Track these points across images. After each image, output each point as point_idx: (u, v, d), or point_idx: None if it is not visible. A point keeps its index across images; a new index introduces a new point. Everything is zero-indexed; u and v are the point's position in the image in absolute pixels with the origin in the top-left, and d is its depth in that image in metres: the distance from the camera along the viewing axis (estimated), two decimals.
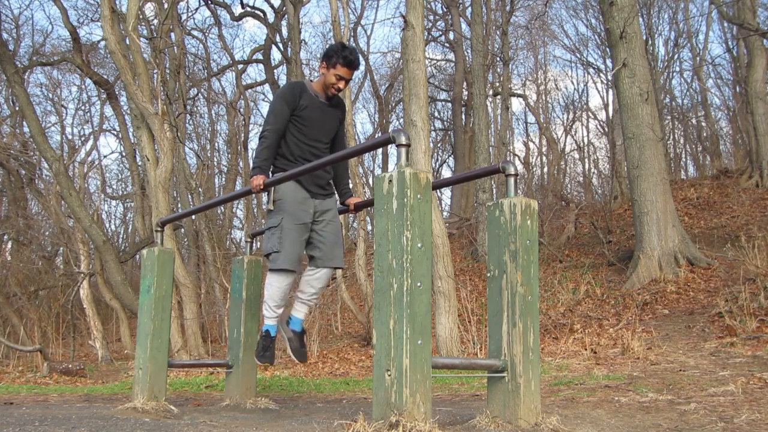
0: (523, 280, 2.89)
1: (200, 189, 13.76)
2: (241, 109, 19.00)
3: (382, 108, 21.57)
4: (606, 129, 19.85)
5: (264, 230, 3.74)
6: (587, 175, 20.63)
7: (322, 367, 7.65)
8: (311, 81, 3.75)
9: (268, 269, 3.64)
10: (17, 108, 13.29)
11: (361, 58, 3.86)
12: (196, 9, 29.71)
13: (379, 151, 20.61)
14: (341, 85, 3.62)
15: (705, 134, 18.68)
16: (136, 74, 8.57)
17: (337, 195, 3.91)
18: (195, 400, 5.06)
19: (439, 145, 23.67)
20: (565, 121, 22.26)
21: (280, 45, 17.05)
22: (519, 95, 21.54)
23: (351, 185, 4.07)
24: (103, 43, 13.55)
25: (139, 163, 13.74)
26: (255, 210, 16.91)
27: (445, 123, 23.51)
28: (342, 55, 3.58)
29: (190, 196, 12.76)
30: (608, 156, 18.96)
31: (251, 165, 3.69)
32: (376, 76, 22.46)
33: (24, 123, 13.63)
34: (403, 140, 2.66)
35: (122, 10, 10.60)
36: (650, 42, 17.30)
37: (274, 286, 3.62)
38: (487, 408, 2.91)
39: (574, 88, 34.48)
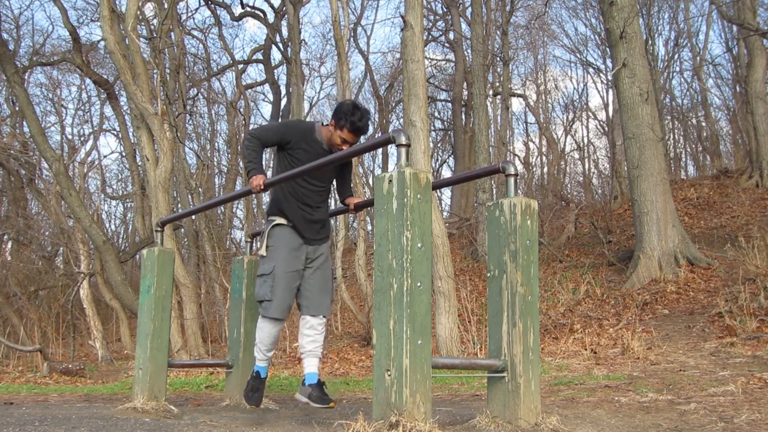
0: (523, 280, 2.89)
1: (200, 189, 13.76)
2: (241, 109, 19.01)
3: (382, 108, 21.57)
4: (606, 129, 19.86)
5: (256, 276, 3.65)
6: (587, 175, 20.64)
7: (322, 367, 7.65)
8: (323, 125, 3.64)
9: (260, 315, 3.62)
10: (17, 108, 13.29)
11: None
12: (196, 9, 29.73)
13: (379, 151, 20.61)
14: (345, 147, 3.52)
15: (705, 134, 18.69)
16: (136, 74, 8.57)
17: (329, 241, 3.86)
18: (195, 400, 5.06)
19: (439, 145, 23.68)
20: (565, 121, 22.27)
21: (280, 45, 17.06)
22: (519, 95, 21.54)
23: (351, 184, 4.04)
24: (102, 43, 13.56)
25: (139, 163, 13.75)
26: (255, 210, 16.91)
27: (445, 123, 23.51)
28: (350, 120, 3.49)
29: (190, 196, 12.76)
30: (608, 156, 18.97)
31: (245, 169, 3.64)
32: (376, 76, 22.47)
33: (24, 123, 13.63)
34: (403, 140, 2.66)
35: (122, 11, 10.60)
36: (650, 42, 17.30)
37: (265, 331, 3.61)
38: (487, 408, 2.91)
39: (574, 88, 34.51)
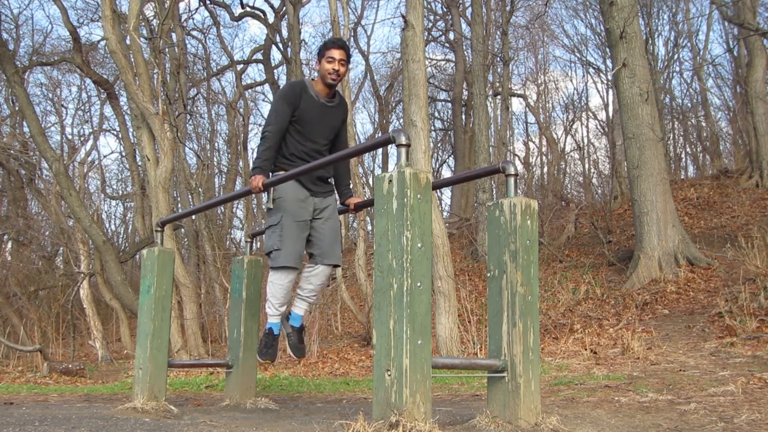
0: (523, 280, 2.89)
1: (200, 189, 13.75)
2: (241, 109, 19.01)
3: (382, 108, 21.58)
4: (606, 129, 19.85)
5: (264, 229, 3.74)
6: (587, 175, 20.63)
7: (322, 367, 7.65)
8: (312, 80, 3.72)
9: (270, 267, 3.64)
10: (17, 108, 13.28)
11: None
12: (196, 9, 29.71)
13: (379, 151, 20.61)
14: (337, 66, 3.59)
15: (705, 134, 18.68)
16: (137, 74, 8.57)
17: (336, 194, 3.91)
18: (195, 400, 5.06)
19: (439, 145, 23.68)
20: (565, 121, 22.26)
21: (280, 45, 17.05)
22: (519, 95, 21.54)
23: (351, 185, 4.05)
24: (103, 43, 13.56)
25: (139, 163, 13.75)
26: (255, 210, 16.91)
27: (445, 123, 23.51)
28: (325, 42, 3.66)
29: (190, 196, 12.77)
30: (608, 156, 18.96)
31: (252, 165, 3.67)
32: (376, 76, 22.47)
33: (24, 123, 13.62)
34: (403, 140, 2.66)
35: (122, 11, 10.60)
36: (650, 42, 17.29)
37: (276, 283, 3.63)
38: (487, 408, 2.91)
39: (574, 88, 34.51)
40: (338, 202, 3.99)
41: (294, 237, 3.56)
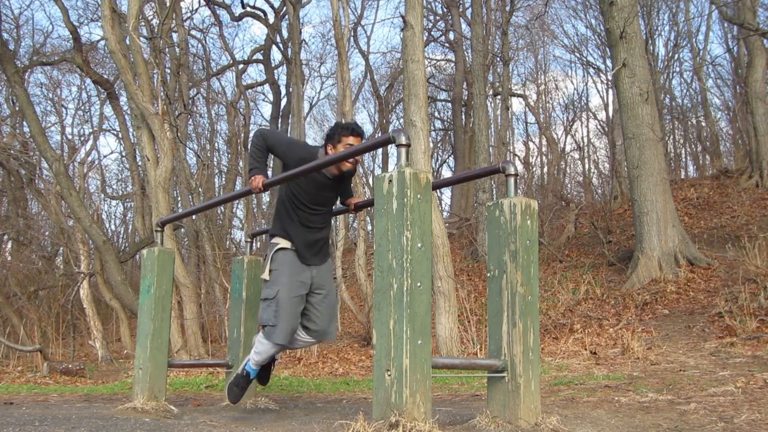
0: (523, 280, 2.89)
1: (200, 189, 13.75)
2: (241, 109, 19.00)
3: (382, 108, 21.57)
4: (606, 129, 19.85)
5: (261, 299, 3.62)
6: (587, 175, 20.62)
7: (322, 367, 7.65)
8: (326, 154, 3.52)
9: (262, 334, 3.58)
10: (17, 108, 13.28)
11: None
12: (196, 9, 29.72)
13: (379, 151, 20.61)
14: (353, 157, 3.39)
15: (705, 134, 18.67)
16: (137, 74, 8.57)
17: (331, 260, 3.86)
18: (195, 400, 5.06)
19: (439, 145, 23.67)
20: (565, 121, 22.26)
21: (280, 45, 17.06)
22: (519, 95, 21.53)
23: (351, 185, 4.03)
24: (103, 42, 13.56)
25: (139, 163, 13.74)
26: (255, 210, 16.91)
27: (445, 123, 23.51)
28: (342, 127, 3.50)
29: (190, 196, 12.76)
30: (608, 156, 18.96)
31: (248, 167, 3.63)
32: (376, 76, 22.46)
33: (24, 123, 13.63)
34: (403, 140, 2.66)
35: (122, 10, 10.60)
36: (650, 42, 17.28)
37: (265, 348, 3.56)
38: (487, 408, 2.91)
39: (574, 88, 34.51)
40: (338, 203, 3.98)
41: (289, 314, 3.48)
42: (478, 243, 13.41)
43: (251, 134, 20.25)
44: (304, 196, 3.55)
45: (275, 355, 3.70)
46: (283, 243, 3.57)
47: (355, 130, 3.49)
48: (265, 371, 3.81)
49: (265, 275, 3.55)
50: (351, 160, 3.41)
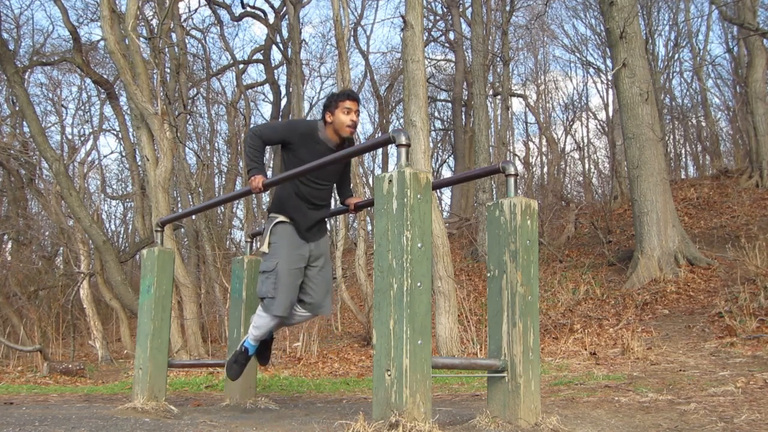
0: (523, 280, 2.89)
1: (200, 189, 13.76)
2: (241, 109, 19.00)
3: (382, 108, 21.57)
4: (606, 129, 19.85)
5: (259, 272, 3.65)
6: (587, 175, 20.62)
7: (322, 367, 7.65)
8: (325, 124, 3.60)
9: (261, 308, 3.60)
10: (17, 108, 13.27)
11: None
12: (196, 9, 29.72)
13: (379, 151, 20.61)
14: (354, 117, 3.51)
15: (705, 134, 18.67)
16: (136, 74, 8.57)
17: (328, 236, 3.90)
18: (195, 400, 5.06)
19: (439, 145, 23.67)
20: (565, 121, 22.26)
21: (281, 45, 17.06)
22: (519, 95, 21.53)
23: (351, 185, 4.04)
24: (102, 42, 13.55)
25: (139, 163, 13.74)
26: (255, 210, 16.90)
27: (445, 123, 23.51)
28: (338, 93, 3.57)
29: (190, 196, 12.76)
30: (608, 156, 18.96)
31: (247, 168, 3.65)
32: (376, 76, 22.46)
33: (24, 123, 13.62)
34: (403, 140, 2.66)
35: (122, 11, 10.60)
36: (650, 42, 17.29)
37: (264, 322, 3.58)
38: (487, 408, 2.91)
39: (574, 88, 34.51)
40: (338, 204, 3.98)
41: (288, 286, 3.51)
42: (478, 243, 13.41)
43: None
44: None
45: (273, 330, 3.72)
46: (282, 217, 3.62)
47: (351, 95, 3.56)
48: (264, 349, 3.82)
49: (264, 248, 3.58)
50: (349, 123, 3.50)
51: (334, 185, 3.84)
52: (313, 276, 3.67)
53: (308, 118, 10.66)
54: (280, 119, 18.15)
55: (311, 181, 3.61)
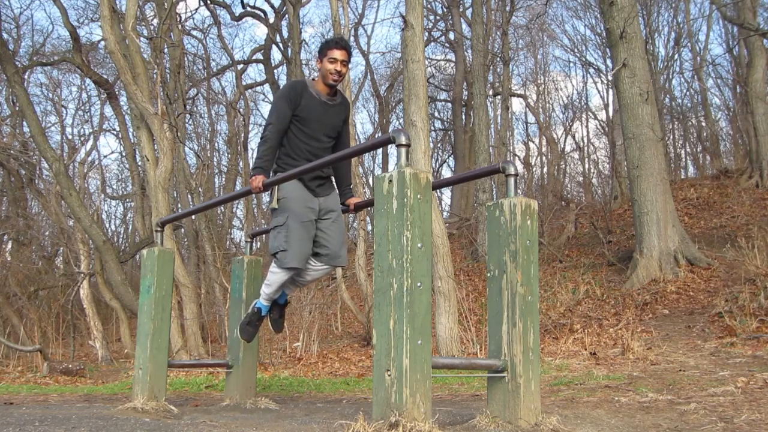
0: (523, 280, 2.89)
1: (200, 189, 13.75)
2: (241, 109, 19.00)
3: (382, 108, 21.57)
4: (606, 129, 19.84)
5: (269, 229, 3.74)
6: (587, 175, 20.61)
7: (322, 367, 7.65)
8: (313, 80, 3.72)
9: (275, 264, 3.63)
10: (17, 108, 13.27)
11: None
12: (196, 9, 29.71)
13: (379, 151, 20.61)
14: (338, 67, 3.58)
15: (705, 134, 18.67)
16: (136, 74, 8.56)
17: (337, 192, 3.91)
18: (195, 400, 5.06)
19: (439, 145, 23.66)
20: (565, 121, 22.25)
21: (280, 45, 17.05)
22: (519, 95, 21.53)
23: (352, 185, 4.04)
24: (102, 43, 13.55)
25: (139, 163, 13.74)
26: (255, 210, 16.90)
27: (445, 123, 23.50)
28: (327, 41, 3.65)
29: (190, 196, 12.76)
30: (608, 156, 18.96)
31: (252, 164, 3.67)
32: (376, 76, 22.47)
33: (24, 123, 13.62)
34: (403, 140, 2.66)
35: (122, 11, 10.59)
36: (650, 42, 17.29)
37: (277, 277, 3.63)
38: (487, 408, 2.91)
39: (574, 88, 34.51)
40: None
41: (300, 238, 3.55)
42: (478, 243, 13.41)
43: (251, 134, 20.28)
44: (310, 125, 3.63)
45: (286, 288, 3.75)
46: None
47: (339, 43, 3.62)
48: (277, 314, 3.87)
49: (274, 204, 3.60)
50: (333, 72, 3.58)
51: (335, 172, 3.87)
52: (326, 227, 3.69)
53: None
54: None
55: (311, 138, 3.65)
